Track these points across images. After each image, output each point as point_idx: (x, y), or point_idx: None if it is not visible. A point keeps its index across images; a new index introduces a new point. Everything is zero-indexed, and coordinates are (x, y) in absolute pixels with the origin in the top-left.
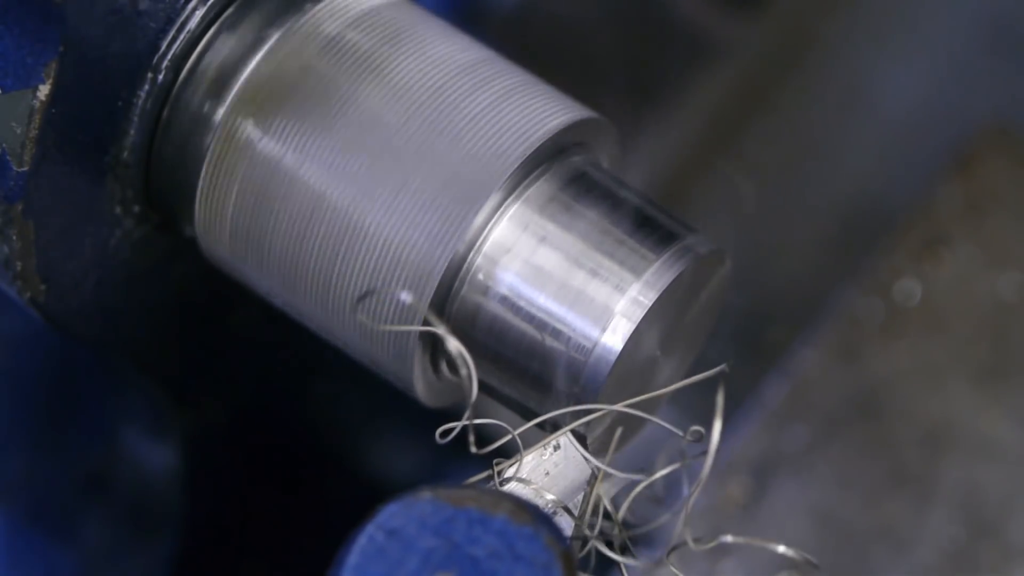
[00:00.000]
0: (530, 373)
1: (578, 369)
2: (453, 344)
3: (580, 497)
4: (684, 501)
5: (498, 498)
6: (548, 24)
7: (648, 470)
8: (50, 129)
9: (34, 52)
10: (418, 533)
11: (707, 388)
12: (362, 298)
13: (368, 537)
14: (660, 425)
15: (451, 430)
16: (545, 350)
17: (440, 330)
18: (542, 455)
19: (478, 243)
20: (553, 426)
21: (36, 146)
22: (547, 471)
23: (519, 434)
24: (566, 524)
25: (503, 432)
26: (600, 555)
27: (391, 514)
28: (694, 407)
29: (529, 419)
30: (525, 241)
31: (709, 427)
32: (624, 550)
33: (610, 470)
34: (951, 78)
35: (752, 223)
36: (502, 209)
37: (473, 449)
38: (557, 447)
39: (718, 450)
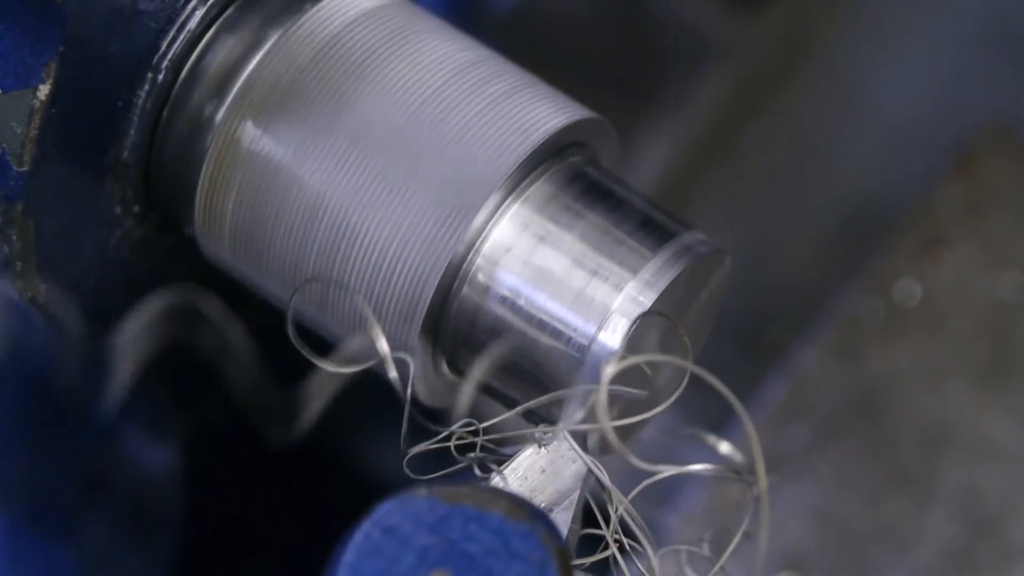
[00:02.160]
0: (530, 373)
1: (578, 369)
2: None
3: (576, 495)
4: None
5: (494, 495)
6: (548, 24)
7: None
8: (50, 129)
9: (34, 52)
10: (414, 530)
11: (706, 390)
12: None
13: (364, 534)
14: (658, 425)
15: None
16: (545, 350)
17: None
18: (537, 452)
19: (478, 243)
20: (550, 423)
21: (36, 146)
22: (543, 468)
23: (516, 430)
24: (562, 521)
25: (501, 431)
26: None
27: (387, 511)
28: (694, 409)
29: (530, 419)
30: (525, 241)
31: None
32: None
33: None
34: (951, 78)
35: (752, 223)
36: (502, 209)
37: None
38: (546, 445)
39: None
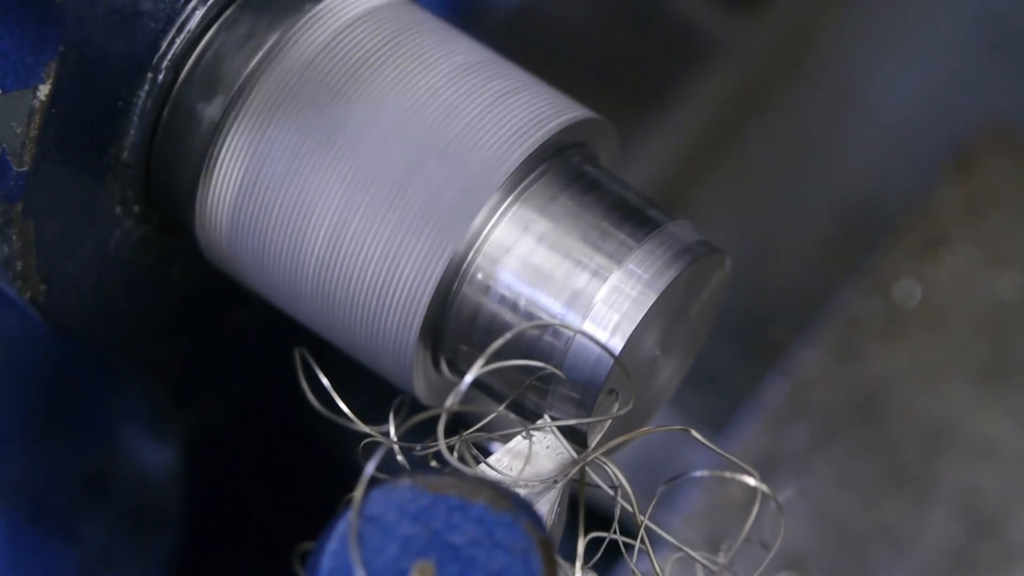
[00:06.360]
0: (529, 373)
1: (580, 370)
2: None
3: (560, 486)
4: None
5: (477, 485)
6: (548, 24)
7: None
8: (50, 129)
9: (34, 52)
10: (397, 520)
11: (706, 390)
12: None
13: (348, 523)
14: (660, 430)
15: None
16: (544, 350)
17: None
18: (522, 443)
19: (478, 243)
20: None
21: (36, 146)
22: (527, 459)
23: (506, 422)
24: (545, 512)
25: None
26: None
27: (370, 500)
28: (694, 409)
29: (519, 413)
30: (525, 241)
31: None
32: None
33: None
34: (951, 78)
35: (752, 223)
36: (502, 209)
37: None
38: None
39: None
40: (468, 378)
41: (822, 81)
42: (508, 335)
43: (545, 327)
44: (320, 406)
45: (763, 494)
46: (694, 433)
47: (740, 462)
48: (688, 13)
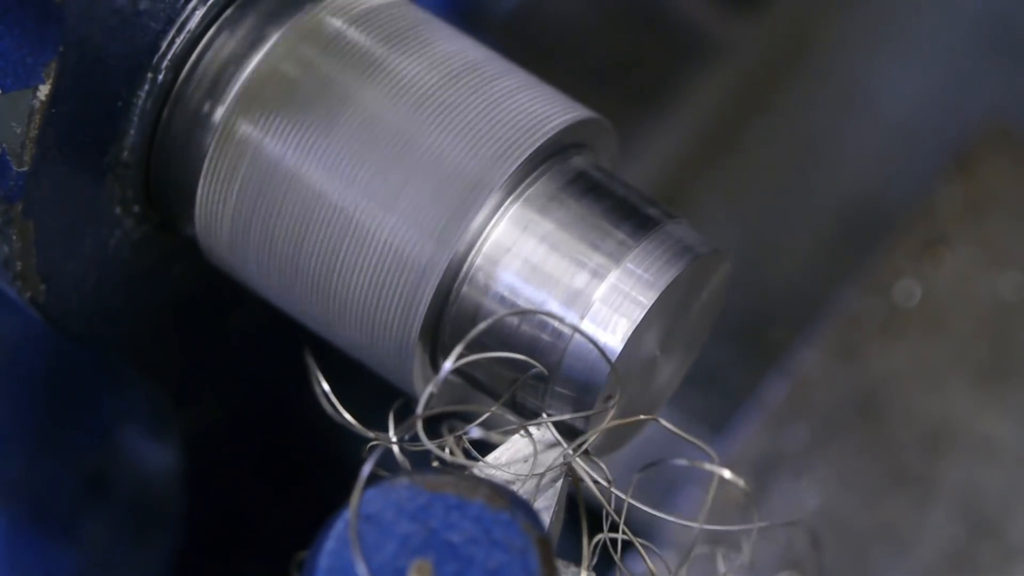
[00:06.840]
0: (522, 371)
1: (577, 369)
2: None
3: (559, 484)
4: None
5: (475, 484)
6: (548, 24)
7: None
8: (50, 129)
9: (34, 52)
10: (395, 518)
11: (706, 390)
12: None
13: (345, 522)
14: (624, 422)
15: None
16: (544, 350)
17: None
18: (517, 442)
19: (478, 243)
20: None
21: (36, 146)
22: (526, 458)
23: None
24: (543, 509)
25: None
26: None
27: (368, 499)
28: (694, 409)
29: (517, 412)
30: (525, 241)
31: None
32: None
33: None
34: (951, 78)
35: (752, 223)
36: (502, 209)
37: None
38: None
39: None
40: (448, 364)
41: (822, 81)
42: (490, 320)
43: (545, 327)
44: (331, 410)
45: (730, 482)
46: (662, 421)
47: (702, 444)
48: (688, 13)
